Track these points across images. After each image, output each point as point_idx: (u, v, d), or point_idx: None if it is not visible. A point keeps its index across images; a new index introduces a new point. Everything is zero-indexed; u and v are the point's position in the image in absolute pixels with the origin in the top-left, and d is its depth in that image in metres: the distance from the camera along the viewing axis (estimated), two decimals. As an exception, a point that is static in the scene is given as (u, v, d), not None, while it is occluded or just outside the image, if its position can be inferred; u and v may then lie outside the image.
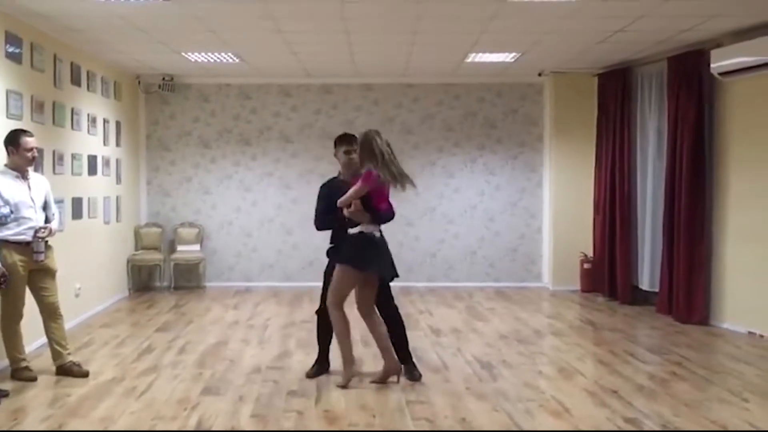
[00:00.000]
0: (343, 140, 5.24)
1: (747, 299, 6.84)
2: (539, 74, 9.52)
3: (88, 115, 7.76)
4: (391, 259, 5.13)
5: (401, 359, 5.23)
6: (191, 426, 4.22)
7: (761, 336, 6.62)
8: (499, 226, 9.99)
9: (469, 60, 8.38)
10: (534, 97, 9.93)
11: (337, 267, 5.03)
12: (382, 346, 5.11)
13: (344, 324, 5.05)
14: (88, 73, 7.75)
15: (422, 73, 9.45)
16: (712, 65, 6.85)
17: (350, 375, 5.06)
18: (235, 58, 8.24)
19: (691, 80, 7.27)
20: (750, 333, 6.74)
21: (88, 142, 7.77)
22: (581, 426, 4.23)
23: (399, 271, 5.21)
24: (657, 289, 7.91)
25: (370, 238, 4.95)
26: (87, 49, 7.57)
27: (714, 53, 6.84)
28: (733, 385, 5.10)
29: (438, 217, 9.82)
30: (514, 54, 8.08)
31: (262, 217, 9.98)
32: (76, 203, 7.34)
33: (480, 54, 8.05)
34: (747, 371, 5.50)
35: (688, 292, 7.32)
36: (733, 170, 7.04)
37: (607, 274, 8.74)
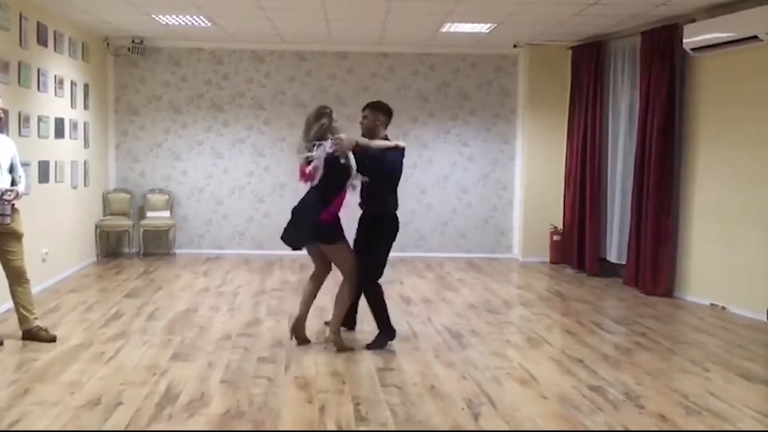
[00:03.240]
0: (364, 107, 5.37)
1: (710, 272, 6.99)
2: (514, 46, 9.51)
3: (55, 76, 7.57)
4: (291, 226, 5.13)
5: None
6: (160, 392, 4.21)
7: (723, 308, 6.78)
8: (471, 198, 10.04)
9: (444, 30, 8.33)
10: (508, 68, 9.93)
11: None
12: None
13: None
14: (55, 33, 7.55)
15: (398, 42, 9.38)
16: (684, 40, 6.90)
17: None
18: (207, 22, 8.08)
19: (663, 55, 7.31)
20: (712, 305, 6.90)
21: (55, 105, 7.60)
22: (547, 394, 4.31)
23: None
24: (624, 262, 8.04)
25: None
26: (54, 9, 7.36)
27: (687, 28, 6.89)
28: (695, 355, 5.23)
29: (410, 188, 9.80)
30: (489, 25, 8.05)
31: (234, 184, 9.89)
32: (43, 167, 7.19)
33: (456, 24, 8.01)
34: (709, 342, 5.64)
35: (654, 264, 7.45)
36: (701, 145, 7.13)
37: (576, 246, 8.86)
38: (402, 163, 5.19)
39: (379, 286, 5.26)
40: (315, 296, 5.33)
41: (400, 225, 5.33)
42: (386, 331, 5.30)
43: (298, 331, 5.25)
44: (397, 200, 5.28)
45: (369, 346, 5.18)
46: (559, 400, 4.20)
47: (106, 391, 4.19)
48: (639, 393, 4.35)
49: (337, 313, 5.20)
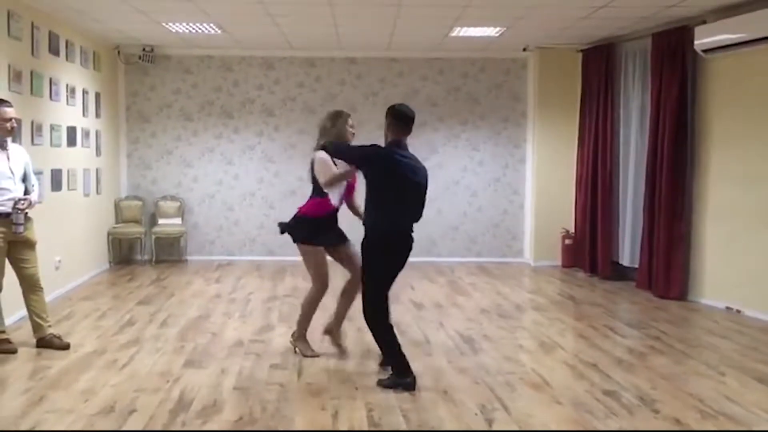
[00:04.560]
0: None
1: (725, 275, 6.93)
2: (524, 49, 9.50)
3: (67, 85, 7.63)
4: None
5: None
6: (173, 399, 4.22)
7: (738, 311, 6.72)
8: (481, 202, 10.02)
9: (453, 34, 8.33)
10: (518, 72, 9.91)
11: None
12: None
13: None
14: (66, 42, 7.61)
15: (406, 47, 9.38)
16: (695, 42, 6.87)
17: None
18: (216, 29, 8.12)
19: (674, 57, 7.28)
20: (727, 308, 6.84)
21: (67, 113, 7.65)
22: (561, 399, 4.29)
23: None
24: (637, 265, 7.99)
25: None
26: (65, 18, 7.42)
27: (698, 30, 6.86)
28: (709, 359, 5.19)
29: (421, 192, 9.78)
30: (498, 28, 8.04)
31: (244, 190, 9.92)
32: (56, 175, 7.24)
33: (465, 28, 8.00)
34: (723, 345, 5.59)
35: (668, 267, 7.40)
36: (714, 147, 7.09)
37: (588, 250, 8.81)
38: (381, 172, 4.48)
39: (381, 316, 4.60)
40: (349, 302, 5.23)
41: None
42: (399, 374, 4.52)
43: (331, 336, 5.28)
44: (392, 216, 4.53)
45: (380, 382, 4.55)
46: (573, 405, 4.18)
47: (119, 399, 4.21)
48: (654, 397, 4.32)
49: (300, 319, 5.21)
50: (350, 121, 5.05)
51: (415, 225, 4.65)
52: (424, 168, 4.62)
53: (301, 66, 9.82)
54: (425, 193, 4.62)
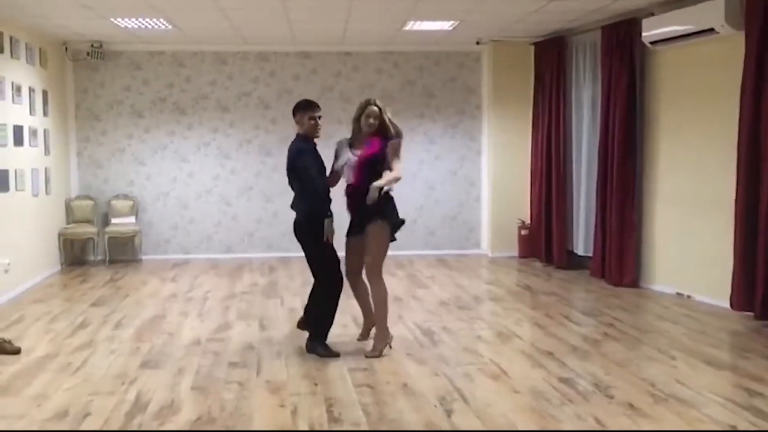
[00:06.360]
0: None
1: (675, 261, 7.11)
2: (477, 43, 9.56)
3: (12, 83, 7.42)
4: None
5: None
6: (129, 401, 4.15)
7: (688, 297, 6.90)
8: (439, 195, 10.08)
9: (407, 28, 8.34)
10: (472, 65, 9.98)
11: (381, 235, 5.19)
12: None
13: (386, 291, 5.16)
14: (11, 39, 7.39)
15: (361, 41, 9.37)
16: (643, 34, 7.01)
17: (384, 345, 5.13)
18: (167, 24, 7.98)
19: (623, 49, 7.41)
20: (678, 294, 7.02)
21: (14, 112, 7.45)
22: (518, 388, 4.35)
23: (336, 242, 5.18)
24: (591, 254, 8.15)
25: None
26: (9, 14, 7.19)
27: (645, 22, 7.00)
28: (661, 344, 5.32)
29: (378, 186, 9.80)
30: (452, 22, 8.08)
31: (200, 188, 9.79)
32: (2, 176, 7.05)
33: (419, 22, 8.02)
34: (674, 330, 5.74)
35: (620, 255, 7.55)
36: (662, 136, 7.25)
37: (543, 240, 8.95)
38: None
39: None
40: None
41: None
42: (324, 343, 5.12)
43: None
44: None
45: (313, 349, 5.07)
46: (531, 394, 4.24)
47: (73, 403, 4.12)
48: (608, 383, 4.41)
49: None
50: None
51: None
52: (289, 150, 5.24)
53: (255, 61, 9.73)
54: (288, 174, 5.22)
